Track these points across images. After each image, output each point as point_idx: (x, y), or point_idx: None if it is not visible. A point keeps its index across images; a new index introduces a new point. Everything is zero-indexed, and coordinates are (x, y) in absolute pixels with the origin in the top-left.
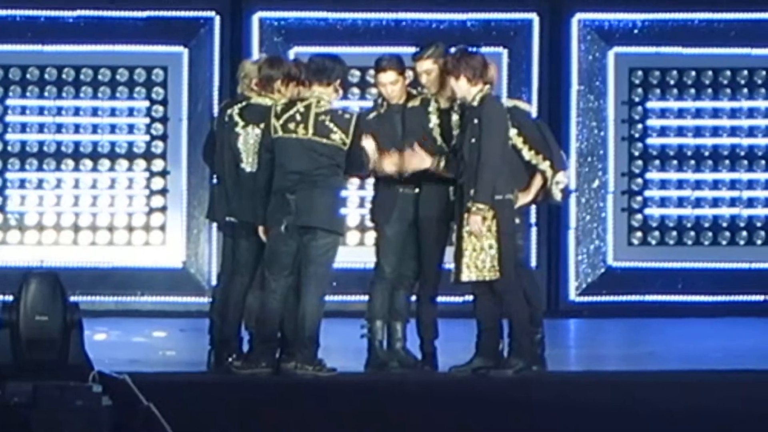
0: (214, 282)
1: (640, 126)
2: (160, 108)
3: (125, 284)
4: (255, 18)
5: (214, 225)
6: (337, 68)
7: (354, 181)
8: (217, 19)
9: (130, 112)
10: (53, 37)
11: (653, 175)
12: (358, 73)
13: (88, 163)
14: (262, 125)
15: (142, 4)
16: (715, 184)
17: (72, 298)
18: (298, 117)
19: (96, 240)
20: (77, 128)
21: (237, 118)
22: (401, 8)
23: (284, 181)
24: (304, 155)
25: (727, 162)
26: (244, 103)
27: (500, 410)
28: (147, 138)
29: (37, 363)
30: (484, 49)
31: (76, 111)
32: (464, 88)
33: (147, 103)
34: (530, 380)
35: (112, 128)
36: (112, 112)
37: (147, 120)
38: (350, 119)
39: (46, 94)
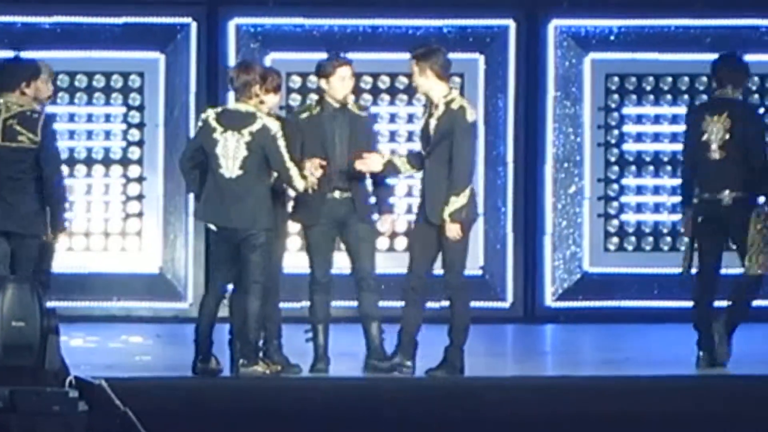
0: (190, 287)
1: (616, 132)
2: (137, 114)
3: (102, 290)
4: (231, 24)
5: (191, 230)
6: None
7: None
8: (194, 26)
9: (107, 118)
10: (30, 43)
11: (629, 180)
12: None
13: (64, 169)
14: (243, 131)
15: (119, 11)
16: None
17: (49, 304)
18: None
19: (72, 245)
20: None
21: (215, 124)
22: (377, 15)
23: None
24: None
25: None
26: (220, 109)
27: (477, 415)
28: (123, 144)
29: (13, 368)
30: (460, 55)
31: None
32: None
33: (124, 109)
34: (507, 385)
35: (89, 134)
36: (89, 118)
37: (123, 126)
38: (38, 118)
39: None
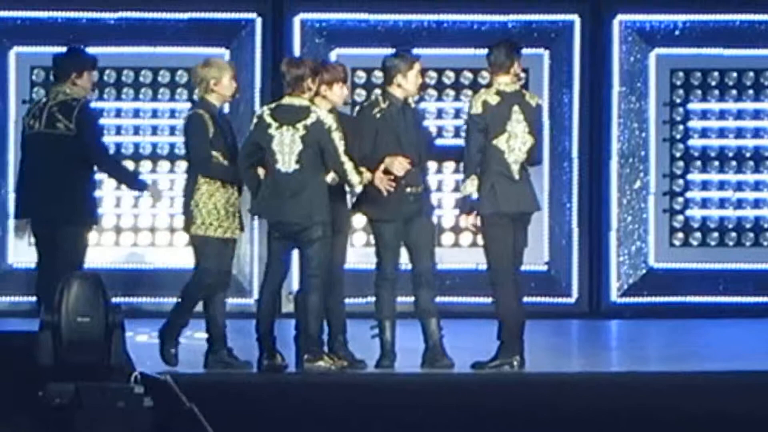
0: (256, 283)
1: (681, 127)
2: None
3: (167, 285)
4: (296, 20)
5: (256, 226)
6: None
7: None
8: (259, 21)
9: (172, 113)
10: (95, 38)
11: (694, 176)
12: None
13: (129, 164)
14: (297, 125)
15: (184, 6)
16: (757, 186)
17: (114, 300)
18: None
19: (137, 241)
20: (119, 130)
21: (269, 120)
22: (442, 10)
23: None
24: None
25: None
26: (274, 105)
27: (541, 411)
28: None
29: (78, 364)
30: (525, 51)
31: (118, 113)
32: None
33: (189, 105)
34: (572, 381)
35: (154, 130)
36: (154, 114)
37: None
38: (75, 107)
39: (90, 97)
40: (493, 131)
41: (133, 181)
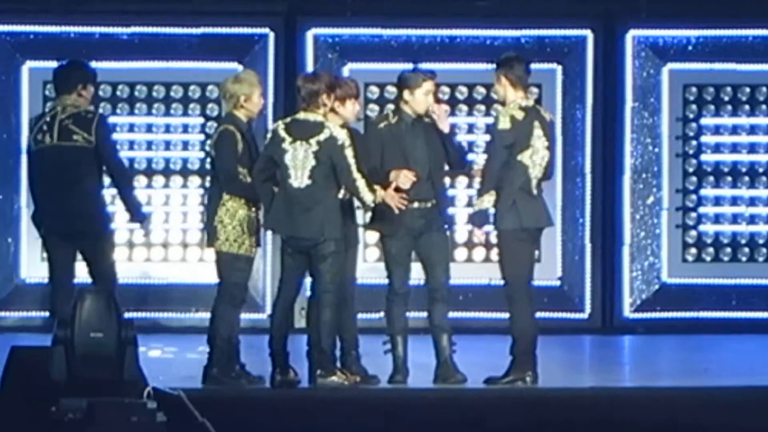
0: (269, 298)
1: (694, 142)
2: (215, 124)
3: (180, 300)
4: (309, 35)
5: (269, 241)
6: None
7: None
8: (272, 36)
9: (185, 128)
10: (108, 53)
11: (708, 191)
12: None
13: (142, 179)
14: (311, 140)
15: (197, 21)
16: None
17: (126, 315)
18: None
19: (151, 256)
20: (132, 145)
21: (283, 134)
22: (455, 25)
23: None
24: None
25: None
26: (288, 119)
27: (554, 426)
28: (201, 154)
29: (91, 379)
30: (538, 66)
31: (131, 127)
32: None
33: (201, 120)
34: (585, 396)
35: (167, 145)
36: (167, 129)
37: (201, 136)
38: (92, 119)
39: (100, 110)
40: (519, 146)
41: (138, 207)
